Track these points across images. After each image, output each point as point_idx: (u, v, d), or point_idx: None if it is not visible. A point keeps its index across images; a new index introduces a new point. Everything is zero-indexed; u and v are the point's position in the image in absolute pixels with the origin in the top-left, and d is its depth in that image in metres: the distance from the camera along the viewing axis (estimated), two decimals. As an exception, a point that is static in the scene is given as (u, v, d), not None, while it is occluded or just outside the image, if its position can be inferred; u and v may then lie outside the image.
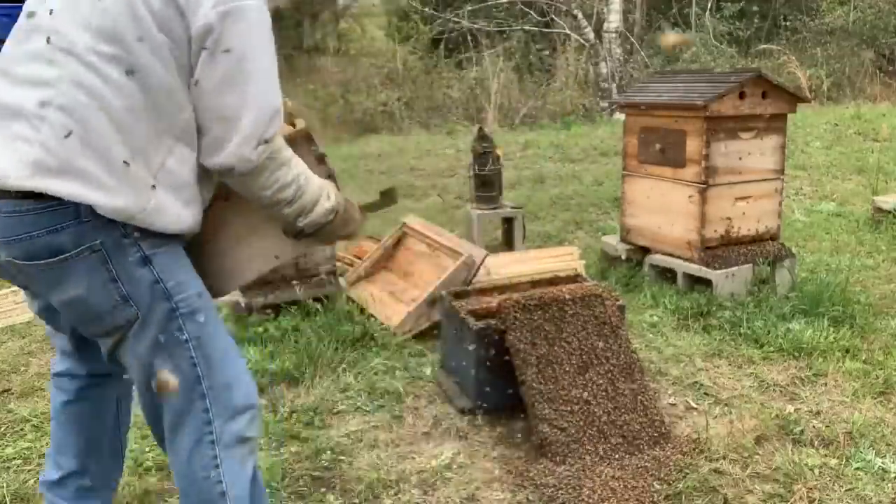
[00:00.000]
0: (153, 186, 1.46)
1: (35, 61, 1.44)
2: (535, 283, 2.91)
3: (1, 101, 1.45)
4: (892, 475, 2.18)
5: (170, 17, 1.44)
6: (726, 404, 2.62)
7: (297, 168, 1.62)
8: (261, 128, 1.50)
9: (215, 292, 1.69)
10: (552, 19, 12.22)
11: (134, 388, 1.68)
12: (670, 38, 11.20)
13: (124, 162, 1.42)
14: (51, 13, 1.46)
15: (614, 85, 10.96)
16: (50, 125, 1.39)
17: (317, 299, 3.34)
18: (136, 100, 1.43)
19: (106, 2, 1.43)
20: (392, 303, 3.47)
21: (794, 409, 2.57)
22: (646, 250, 3.85)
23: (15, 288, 3.53)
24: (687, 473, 2.18)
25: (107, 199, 1.41)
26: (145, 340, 1.51)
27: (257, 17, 1.50)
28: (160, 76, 1.44)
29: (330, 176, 1.83)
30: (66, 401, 1.82)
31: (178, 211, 1.51)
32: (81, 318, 1.53)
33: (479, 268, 3.34)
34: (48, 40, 1.44)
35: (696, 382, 2.79)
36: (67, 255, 1.43)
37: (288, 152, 1.60)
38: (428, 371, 2.91)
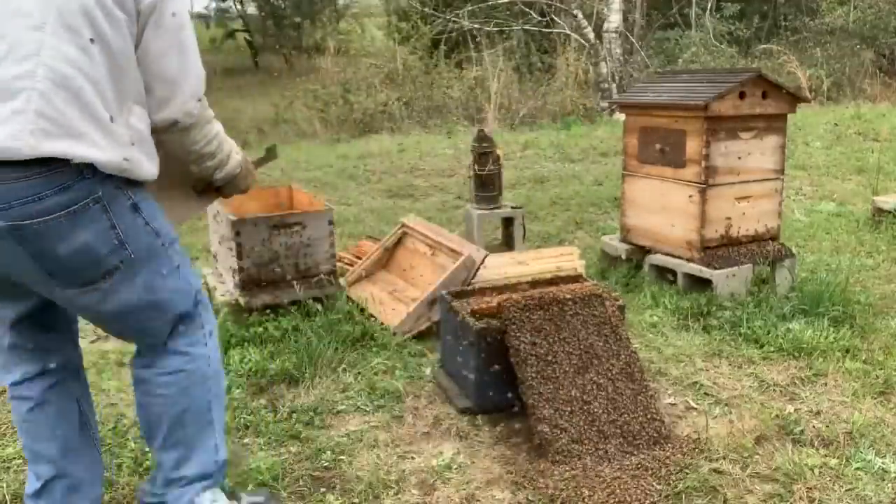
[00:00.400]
0: (132, 143, 1.69)
1: (11, 39, 1.58)
2: (535, 283, 2.91)
3: None
4: (892, 475, 2.18)
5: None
6: (726, 404, 2.62)
7: (217, 125, 1.95)
8: (197, 87, 1.82)
9: None
10: (552, 19, 12.23)
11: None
12: None
13: (110, 119, 1.65)
14: None
15: (614, 85, 10.97)
16: (41, 95, 1.55)
17: (317, 299, 3.34)
18: (105, 66, 1.64)
19: None
20: (392, 303, 3.47)
21: (794, 409, 2.57)
22: (646, 250, 3.85)
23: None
24: (687, 473, 2.18)
25: (102, 155, 1.62)
26: (141, 275, 1.75)
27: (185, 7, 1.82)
28: (120, 45, 1.67)
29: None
30: (29, 408, 1.90)
31: (147, 162, 1.75)
32: (80, 265, 1.68)
33: (479, 268, 3.34)
34: (22, 21, 1.59)
35: (696, 382, 2.79)
36: (75, 207, 1.61)
37: (210, 111, 1.91)
38: (428, 371, 2.91)
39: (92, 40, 1.62)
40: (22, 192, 1.56)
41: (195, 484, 1.94)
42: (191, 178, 2.06)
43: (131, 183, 1.72)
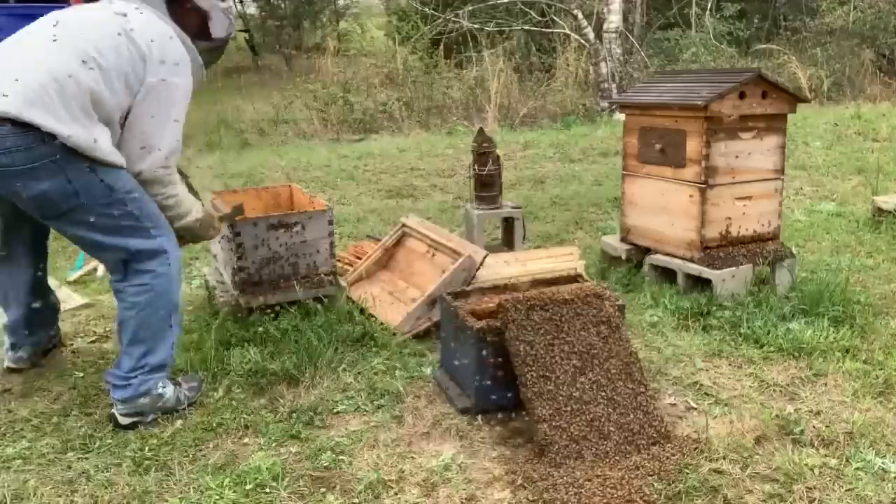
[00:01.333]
0: (95, 140, 2.30)
1: (40, 45, 2.36)
2: (535, 283, 2.91)
3: (9, 62, 2.32)
4: (892, 475, 2.18)
5: (136, 60, 2.41)
6: (726, 404, 2.62)
7: (179, 188, 2.63)
8: (167, 156, 2.50)
9: None
10: (552, 19, 12.23)
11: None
12: None
13: (83, 115, 2.28)
14: (58, 24, 2.43)
15: (614, 85, 10.96)
16: (41, 83, 2.24)
17: (317, 299, 3.34)
18: (95, 89, 2.32)
19: (104, 32, 2.40)
20: (392, 303, 3.47)
21: (794, 409, 2.57)
22: (646, 250, 3.85)
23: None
24: (687, 473, 2.18)
25: (66, 131, 2.24)
26: (97, 216, 2.36)
27: (184, 91, 2.53)
28: (113, 84, 2.36)
29: (195, 194, 2.86)
30: None
31: (111, 152, 2.36)
32: (41, 204, 2.34)
33: (479, 268, 3.34)
34: (54, 37, 2.37)
35: (696, 382, 2.79)
36: (37, 164, 2.25)
37: (176, 176, 2.60)
38: (428, 371, 2.91)
39: (93, 67, 2.32)
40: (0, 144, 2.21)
41: (154, 374, 2.53)
42: None
43: (96, 160, 2.31)
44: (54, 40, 2.35)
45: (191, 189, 2.84)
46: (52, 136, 2.22)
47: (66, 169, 2.28)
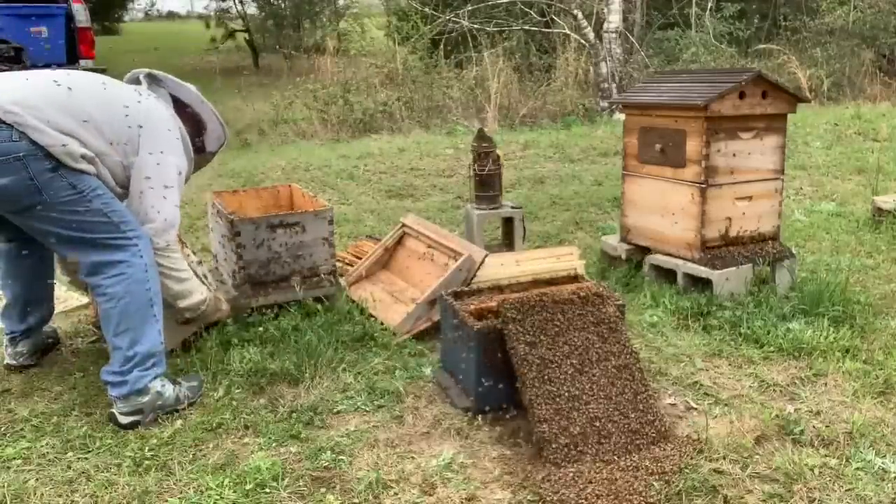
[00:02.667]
0: (63, 144, 2.39)
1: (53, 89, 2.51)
2: (535, 283, 2.91)
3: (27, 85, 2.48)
4: (892, 475, 2.18)
5: (133, 135, 2.60)
6: (726, 404, 2.62)
7: (181, 264, 2.75)
8: (158, 232, 2.63)
9: (168, 343, 2.82)
10: (552, 19, 12.22)
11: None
12: None
13: (49, 121, 2.39)
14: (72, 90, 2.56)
15: (614, 85, 10.96)
16: (43, 97, 2.42)
17: (317, 299, 3.34)
18: (93, 132, 2.50)
19: (109, 101, 2.59)
20: (392, 303, 3.47)
21: (794, 409, 2.57)
22: (646, 250, 3.85)
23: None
24: (687, 473, 2.18)
25: (36, 133, 2.34)
26: (61, 213, 2.41)
27: (176, 169, 2.68)
28: (110, 139, 2.54)
29: (205, 277, 3.04)
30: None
31: (76, 160, 2.43)
32: (4, 198, 2.38)
33: (479, 268, 3.34)
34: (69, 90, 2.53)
35: (696, 382, 2.79)
36: (2, 159, 2.31)
37: (176, 252, 2.71)
38: (428, 371, 2.91)
39: (92, 124, 2.50)
40: None
41: (148, 367, 2.55)
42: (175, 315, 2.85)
43: (61, 163, 2.38)
44: (69, 89, 2.51)
45: (197, 275, 2.93)
46: (21, 135, 2.32)
47: (30, 167, 2.34)
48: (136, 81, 2.84)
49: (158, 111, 2.71)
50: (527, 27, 12.55)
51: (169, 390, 2.60)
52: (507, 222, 4.45)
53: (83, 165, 2.44)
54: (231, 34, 22.28)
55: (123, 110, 2.59)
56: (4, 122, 2.32)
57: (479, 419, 2.53)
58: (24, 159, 2.33)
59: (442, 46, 12.10)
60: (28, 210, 2.42)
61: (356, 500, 2.13)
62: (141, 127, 2.61)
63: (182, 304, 2.77)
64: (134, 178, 2.60)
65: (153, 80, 2.84)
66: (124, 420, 2.52)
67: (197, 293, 2.80)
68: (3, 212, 2.49)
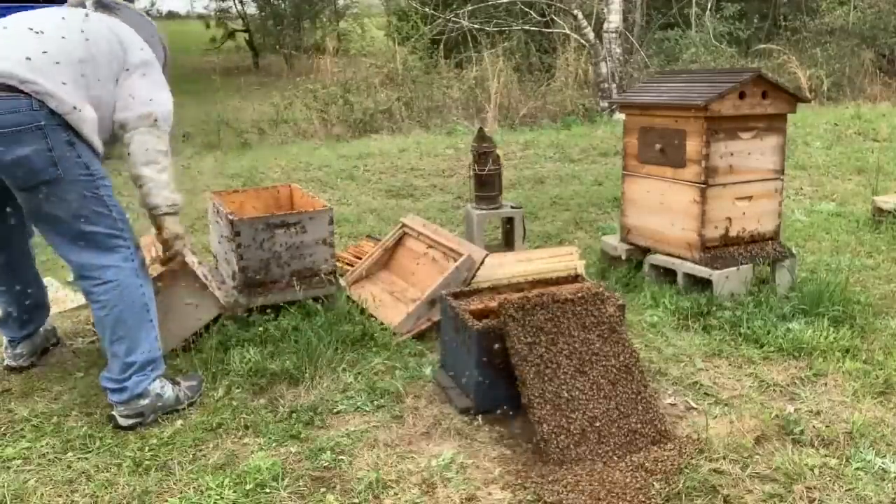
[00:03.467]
0: (75, 108, 2.38)
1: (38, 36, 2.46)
2: (535, 283, 2.91)
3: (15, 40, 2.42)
4: (892, 475, 2.18)
5: (118, 53, 2.55)
6: (726, 404, 2.62)
7: (167, 145, 2.63)
8: (158, 115, 2.57)
9: (168, 344, 2.93)
10: (552, 19, 12.22)
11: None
12: None
13: (63, 83, 2.37)
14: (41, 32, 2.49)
15: (614, 85, 10.95)
16: (39, 59, 2.36)
17: (317, 299, 3.34)
18: (85, 72, 2.44)
19: (91, 35, 2.51)
20: (392, 303, 3.47)
21: (794, 409, 2.57)
22: (646, 250, 3.85)
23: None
24: (687, 473, 2.18)
25: (52, 100, 2.33)
26: (71, 193, 2.41)
27: (158, 69, 2.67)
28: (101, 67, 2.49)
29: (205, 277, 3.08)
30: None
31: (92, 130, 2.45)
32: (21, 171, 2.36)
33: (479, 268, 3.34)
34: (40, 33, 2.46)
35: (696, 382, 2.79)
36: (21, 128, 2.31)
37: (166, 137, 2.63)
38: (428, 371, 2.91)
39: (82, 61, 2.45)
40: None
41: (147, 372, 2.54)
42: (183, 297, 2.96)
43: (74, 132, 2.39)
44: (37, 33, 2.44)
45: (199, 276, 2.96)
46: (41, 104, 2.31)
47: (49, 136, 2.33)
48: (82, 5, 2.72)
49: (124, 26, 2.67)
50: (527, 27, 12.55)
51: (168, 391, 2.60)
52: (507, 222, 4.46)
53: (94, 139, 2.44)
54: (231, 34, 22.28)
55: (104, 37, 2.54)
56: (23, 92, 2.30)
57: (479, 419, 2.53)
58: (44, 128, 2.33)
59: (442, 46, 12.11)
60: (41, 186, 2.37)
61: (356, 500, 2.13)
62: (121, 43, 2.57)
63: (156, 198, 2.60)
64: (127, 78, 2.55)
65: (102, 7, 2.73)
66: (125, 422, 2.52)
67: (174, 194, 2.65)
68: (17, 186, 2.41)
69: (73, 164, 2.39)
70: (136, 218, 4.68)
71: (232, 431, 2.50)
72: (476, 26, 12.11)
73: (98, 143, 2.48)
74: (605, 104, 10.68)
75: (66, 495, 2.18)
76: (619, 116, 9.03)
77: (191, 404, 2.66)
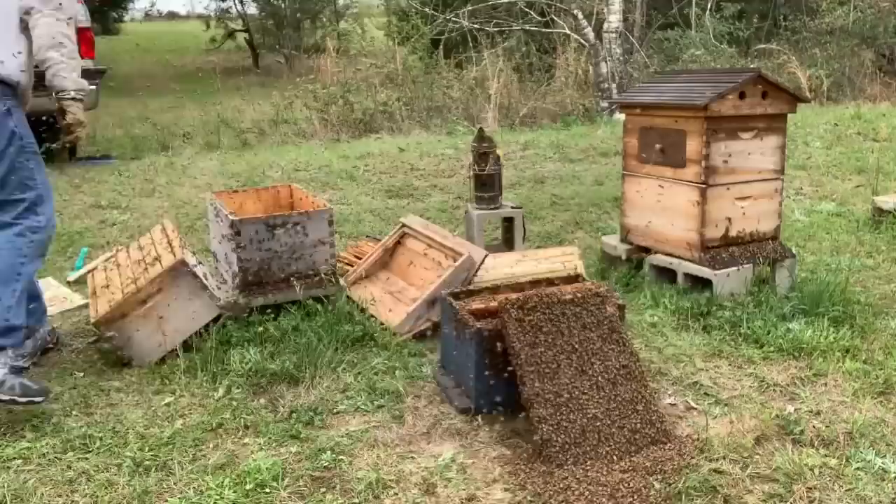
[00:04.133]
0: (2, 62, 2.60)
1: None
2: (535, 283, 2.90)
3: None
4: (892, 475, 2.18)
5: None
6: (726, 404, 2.62)
7: (73, 31, 2.72)
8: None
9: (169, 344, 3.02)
10: (552, 19, 12.22)
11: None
12: None
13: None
14: None
15: (614, 85, 10.95)
16: None
17: (317, 299, 3.34)
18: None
19: None
20: (392, 303, 3.47)
21: (794, 409, 2.57)
22: (646, 250, 3.85)
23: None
24: (687, 473, 2.18)
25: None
26: (3, 164, 2.62)
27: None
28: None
29: (205, 278, 3.10)
30: None
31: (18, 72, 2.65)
32: None
33: (479, 268, 3.34)
34: None
35: (696, 382, 2.79)
36: None
37: (73, 23, 2.72)
38: (428, 371, 2.91)
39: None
40: None
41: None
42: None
43: (8, 89, 2.60)
44: None
45: (199, 276, 3.05)
46: None
47: None
48: None
49: None
50: (527, 27, 12.54)
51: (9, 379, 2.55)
52: (507, 222, 4.45)
53: (18, 77, 2.64)
54: (231, 34, 22.30)
55: None
56: None
57: (479, 419, 2.53)
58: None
59: (442, 46, 12.10)
60: None
61: (356, 500, 2.13)
62: None
63: (68, 73, 2.70)
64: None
65: None
66: None
67: (82, 81, 2.79)
68: None
69: (10, 135, 2.61)
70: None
71: (232, 431, 2.50)
72: (476, 26, 12.10)
73: (25, 78, 2.67)
74: (605, 104, 10.68)
75: (66, 495, 2.18)
76: (619, 116, 9.03)
77: (15, 403, 2.53)
